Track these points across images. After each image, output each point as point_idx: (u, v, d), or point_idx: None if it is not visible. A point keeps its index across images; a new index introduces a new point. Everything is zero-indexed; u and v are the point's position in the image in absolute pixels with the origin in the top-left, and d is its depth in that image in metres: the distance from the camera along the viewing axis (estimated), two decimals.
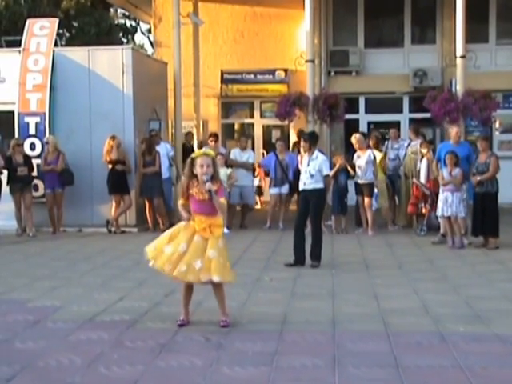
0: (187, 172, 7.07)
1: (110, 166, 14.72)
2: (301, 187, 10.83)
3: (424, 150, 14.07)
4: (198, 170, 6.93)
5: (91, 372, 5.72)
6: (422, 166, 13.89)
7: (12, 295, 8.75)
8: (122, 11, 33.44)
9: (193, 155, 7.13)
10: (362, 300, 8.27)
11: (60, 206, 14.78)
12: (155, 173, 15.00)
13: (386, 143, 15.93)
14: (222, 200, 7.07)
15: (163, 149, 15.41)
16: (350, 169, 14.46)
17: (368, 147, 14.61)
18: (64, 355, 6.11)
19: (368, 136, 15.50)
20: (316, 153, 10.88)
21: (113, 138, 14.70)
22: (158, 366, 5.86)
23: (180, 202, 7.22)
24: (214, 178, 6.97)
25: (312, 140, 10.99)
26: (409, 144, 15.17)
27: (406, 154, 15.01)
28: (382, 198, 14.75)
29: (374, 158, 14.27)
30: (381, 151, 15.14)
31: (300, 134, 14.73)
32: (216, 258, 6.91)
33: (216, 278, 6.90)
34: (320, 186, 10.70)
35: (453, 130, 13.73)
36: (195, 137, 19.81)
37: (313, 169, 10.65)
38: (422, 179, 13.80)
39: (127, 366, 5.81)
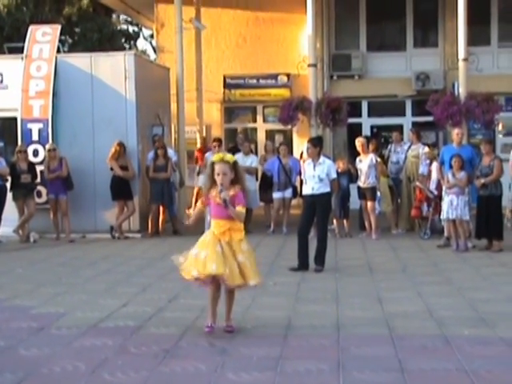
0: (209, 175, 6.98)
1: (114, 172, 14.71)
2: (308, 192, 10.79)
3: (435, 152, 14.14)
4: (215, 176, 6.87)
5: (95, 378, 5.71)
6: (434, 170, 13.84)
7: (16, 302, 8.74)
8: (125, 17, 33.53)
9: (213, 159, 7.02)
10: (366, 304, 8.26)
11: (66, 214, 14.74)
12: (166, 179, 15.08)
13: (389, 146, 15.93)
14: (239, 208, 6.88)
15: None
16: (353, 172, 14.46)
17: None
18: (68, 362, 6.10)
19: (369, 141, 15.47)
20: (322, 157, 10.90)
21: (120, 144, 14.71)
22: (162, 371, 5.85)
23: (199, 204, 7.22)
24: (235, 182, 6.91)
25: (321, 145, 11.05)
26: (409, 147, 15.17)
27: (406, 158, 15.01)
28: (386, 201, 14.73)
29: (377, 161, 14.27)
30: (381, 156, 15.14)
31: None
32: (244, 262, 6.87)
33: (252, 282, 6.92)
34: (328, 190, 10.73)
35: (453, 132, 13.76)
36: (198, 141, 19.85)
37: (322, 173, 10.67)
38: (433, 183, 13.74)
39: (131, 372, 5.80)
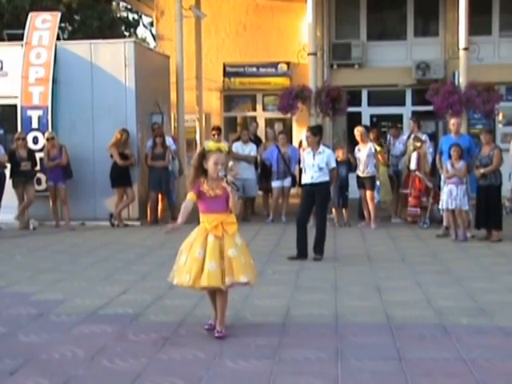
0: (196, 165, 6.46)
1: (116, 159, 14.67)
2: (307, 181, 10.78)
3: (418, 144, 14.15)
4: (210, 166, 6.37)
5: (94, 365, 5.73)
6: (412, 158, 14.00)
7: (15, 288, 8.76)
8: (125, 4, 33.40)
9: (206, 148, 6.46)
10: (365, 293, 8.28)
11: (65, 202, 14.75)
12: (164, 167, 15.07)
13: (388, 138, 15.90)
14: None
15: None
16: (352, 161, 14.46)
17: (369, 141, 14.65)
18: (67, 348, 6.12)
19: (369, 130, 15.45)
20: (322, 146, 10.90)
21: (123, 131, 14.70)
22: (161, 359, 5.87)
23: (189, 195, 6.52)
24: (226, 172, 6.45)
25: (321, 134, 11.05)
26: (409, 137, 15.14)
27: (406, 148, 15.00)
28: (385, 190, 14.73)
29: (375, 150, 14.27)
30: (381, 145, 15.13)
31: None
32: (237, 256, 6.38)
33: (244, 279, 6.39)
34: (327, 179, 10.73)
35: (450, 122, 13.76)
36: (197, 130, 19.83)
37: (321, 162, 10.67)
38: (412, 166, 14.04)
39: (130, 359, 5.82)
